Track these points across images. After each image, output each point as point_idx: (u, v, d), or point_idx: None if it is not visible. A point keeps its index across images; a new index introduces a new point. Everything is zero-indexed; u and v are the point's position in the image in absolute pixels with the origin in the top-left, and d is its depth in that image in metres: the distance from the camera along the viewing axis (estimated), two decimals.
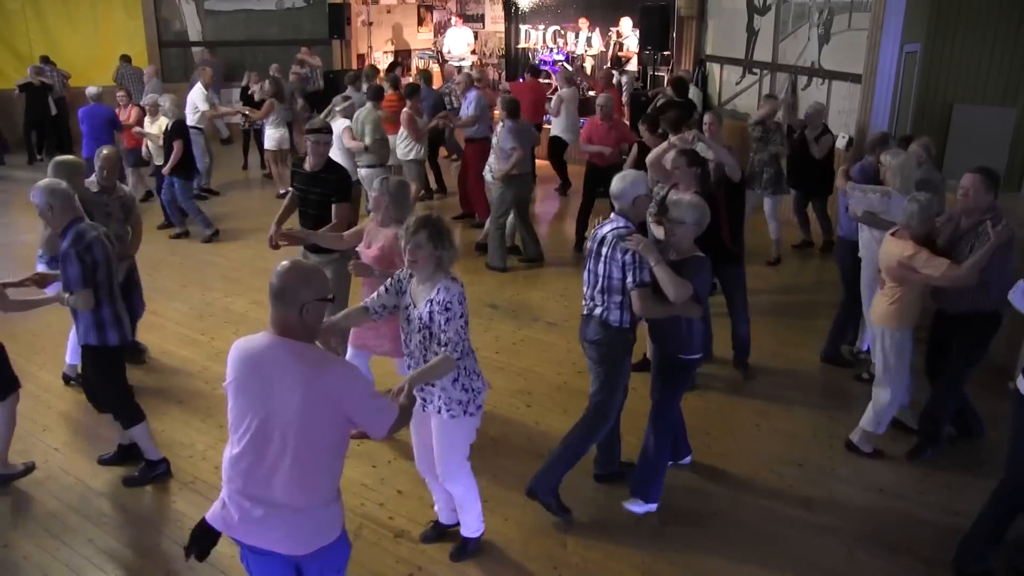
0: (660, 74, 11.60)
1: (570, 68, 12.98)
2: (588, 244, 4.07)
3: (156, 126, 8.75)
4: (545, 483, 4.04)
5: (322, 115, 8.69)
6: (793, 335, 6.32)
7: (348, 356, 4.61)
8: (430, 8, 16.27)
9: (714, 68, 10.90)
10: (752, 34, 10.02)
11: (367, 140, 7.94)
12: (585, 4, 13.70)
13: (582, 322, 4.14)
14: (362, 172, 8.08)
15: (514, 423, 5.06)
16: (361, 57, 14.55)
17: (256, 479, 2.57)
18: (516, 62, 14.42)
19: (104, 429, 4.88)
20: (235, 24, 14.18)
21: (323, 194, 5.15)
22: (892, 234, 4.45)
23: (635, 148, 6.83)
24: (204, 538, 2.77)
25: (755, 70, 10.00)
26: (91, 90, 9.32)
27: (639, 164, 6.14)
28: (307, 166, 5.25)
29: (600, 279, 3.92)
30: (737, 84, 10.24)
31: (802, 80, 9.14)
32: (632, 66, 12.72)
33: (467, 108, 8.94)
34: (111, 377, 4.34)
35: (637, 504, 4.13)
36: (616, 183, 3.96)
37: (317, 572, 2.71)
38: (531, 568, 3.80)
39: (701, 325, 4.02)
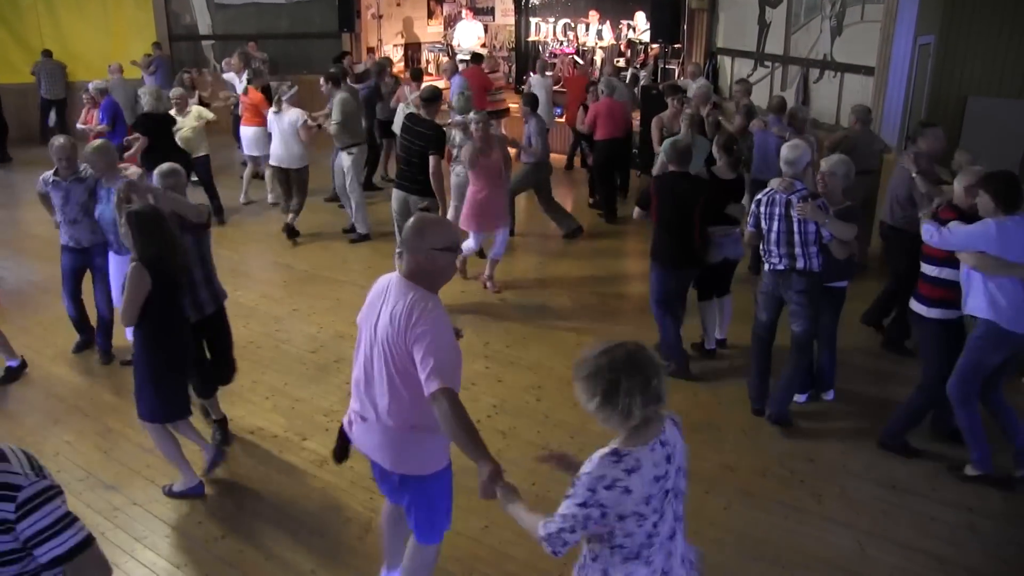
0: (671, 67, 11.53)
1: (582, 61, 12.94)
2: (761, 209, 4.67)
3: (191, 116, 8.63)
4: (781, 407, 4.83)
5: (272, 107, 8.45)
6: None
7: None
8: (440, 1, 16.23)
9: (725, 61, 10.83)
10: (764, 27, 9.95)
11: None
12: None
13: (776, 277, 4.72)
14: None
15: (524, 417, 5.04)
16: (371, 50, 14.54)
17: (361, 393, 2.94)
18: (526, 55, 14.38)
19: (114, 421, 4.92)
20: (245, 17, 14.17)
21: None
22: None
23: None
24: (341, 443, 3.16)
25: (767, 63, 9.92)
26: (100, 83, 9.33)
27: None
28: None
29: (800, 235, 4.54)
30: (748, 77, 10.16)
31: (814, 73, 9.07)
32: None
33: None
34: None
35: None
36: (791, 152, 4.62)
37: (409, 498, 3.03)
38: (542, 566, 3.78)
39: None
